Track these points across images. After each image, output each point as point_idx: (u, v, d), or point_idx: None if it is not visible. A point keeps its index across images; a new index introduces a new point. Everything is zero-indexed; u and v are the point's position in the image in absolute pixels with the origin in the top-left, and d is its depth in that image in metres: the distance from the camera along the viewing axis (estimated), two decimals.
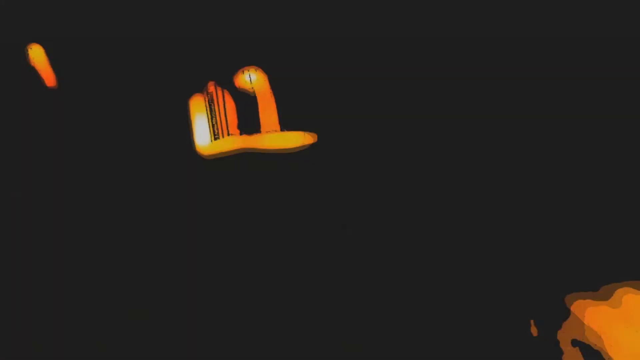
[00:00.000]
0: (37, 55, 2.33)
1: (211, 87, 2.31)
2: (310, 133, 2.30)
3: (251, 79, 2.30)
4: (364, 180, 2.30)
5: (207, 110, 2.31)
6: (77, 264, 2.27)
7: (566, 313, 2.01)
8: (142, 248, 2.28)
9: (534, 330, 2.01)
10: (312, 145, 2.28)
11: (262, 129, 2.30)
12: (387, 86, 2.32)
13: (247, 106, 2.31)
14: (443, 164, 2.29)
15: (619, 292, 1.96)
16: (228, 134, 2.31)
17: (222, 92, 2.31)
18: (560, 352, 1.99)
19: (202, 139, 2.31)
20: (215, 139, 2.31)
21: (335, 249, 2.28)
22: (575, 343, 1.96)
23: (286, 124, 2.30)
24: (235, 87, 2.30)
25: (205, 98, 2.32)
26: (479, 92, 2.28)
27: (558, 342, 1.99)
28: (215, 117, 2.31)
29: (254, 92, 2.29)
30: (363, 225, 2.28)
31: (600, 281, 2.04)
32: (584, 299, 2.01)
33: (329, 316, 2.19)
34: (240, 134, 2.31)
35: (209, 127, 2.31)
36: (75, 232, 2.29)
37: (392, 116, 2.31)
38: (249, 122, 2.31)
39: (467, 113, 2.28)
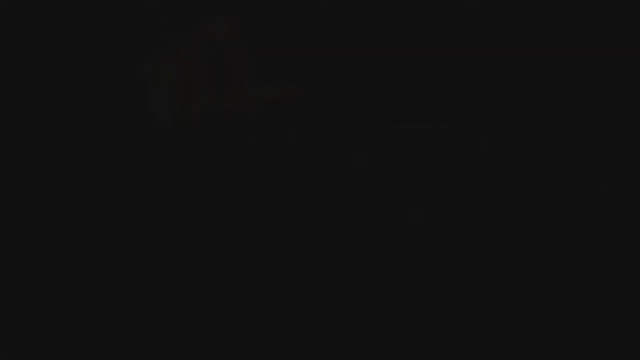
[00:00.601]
0: None
1: (173, 43, 2.03)
2: (292, 85, 2.06)
3: (219, 29, 2.03)
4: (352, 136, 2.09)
5: (170, 72, 2.02)
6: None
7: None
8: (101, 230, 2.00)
9: None
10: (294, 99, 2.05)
11: (237, 85, 2.04)
12: (373, 29, 2.13)
13: (216, 61, 2.05)
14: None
15: None
16: (199, 96, 2.03)
17: (187, 47, 2.03)
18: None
19: (167, 109, 2.02)
20: (184, 104, 2.02)
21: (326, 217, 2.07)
22: None
23: (264, 76, 2.04)
24: (200, 41, 2.04)
25: (166, 58, 2.03)
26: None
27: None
28: (181, 79, 2.02)
29: (223, 43, 2.03)
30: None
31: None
32: None
33: (318, 306, 2.00)
34: (213, 92, 2.04)
35: (175, 92, 2.02)
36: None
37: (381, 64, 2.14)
38: (220, 79, 2.04)
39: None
